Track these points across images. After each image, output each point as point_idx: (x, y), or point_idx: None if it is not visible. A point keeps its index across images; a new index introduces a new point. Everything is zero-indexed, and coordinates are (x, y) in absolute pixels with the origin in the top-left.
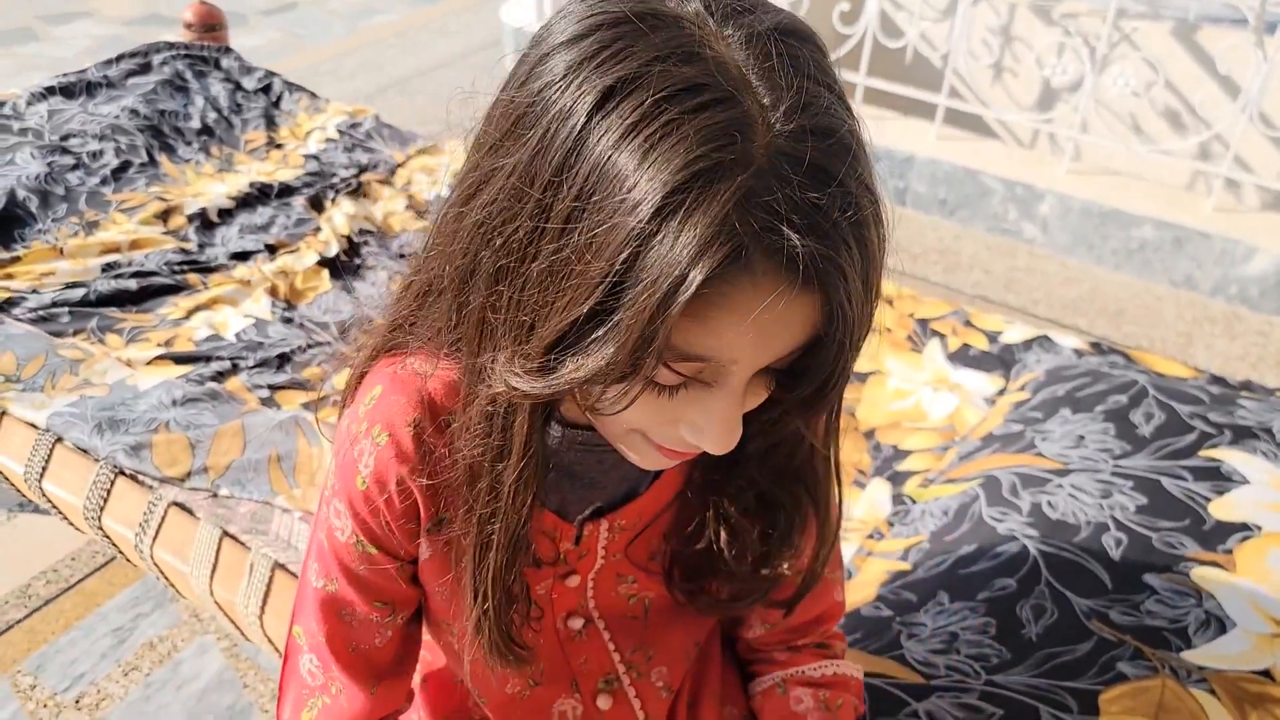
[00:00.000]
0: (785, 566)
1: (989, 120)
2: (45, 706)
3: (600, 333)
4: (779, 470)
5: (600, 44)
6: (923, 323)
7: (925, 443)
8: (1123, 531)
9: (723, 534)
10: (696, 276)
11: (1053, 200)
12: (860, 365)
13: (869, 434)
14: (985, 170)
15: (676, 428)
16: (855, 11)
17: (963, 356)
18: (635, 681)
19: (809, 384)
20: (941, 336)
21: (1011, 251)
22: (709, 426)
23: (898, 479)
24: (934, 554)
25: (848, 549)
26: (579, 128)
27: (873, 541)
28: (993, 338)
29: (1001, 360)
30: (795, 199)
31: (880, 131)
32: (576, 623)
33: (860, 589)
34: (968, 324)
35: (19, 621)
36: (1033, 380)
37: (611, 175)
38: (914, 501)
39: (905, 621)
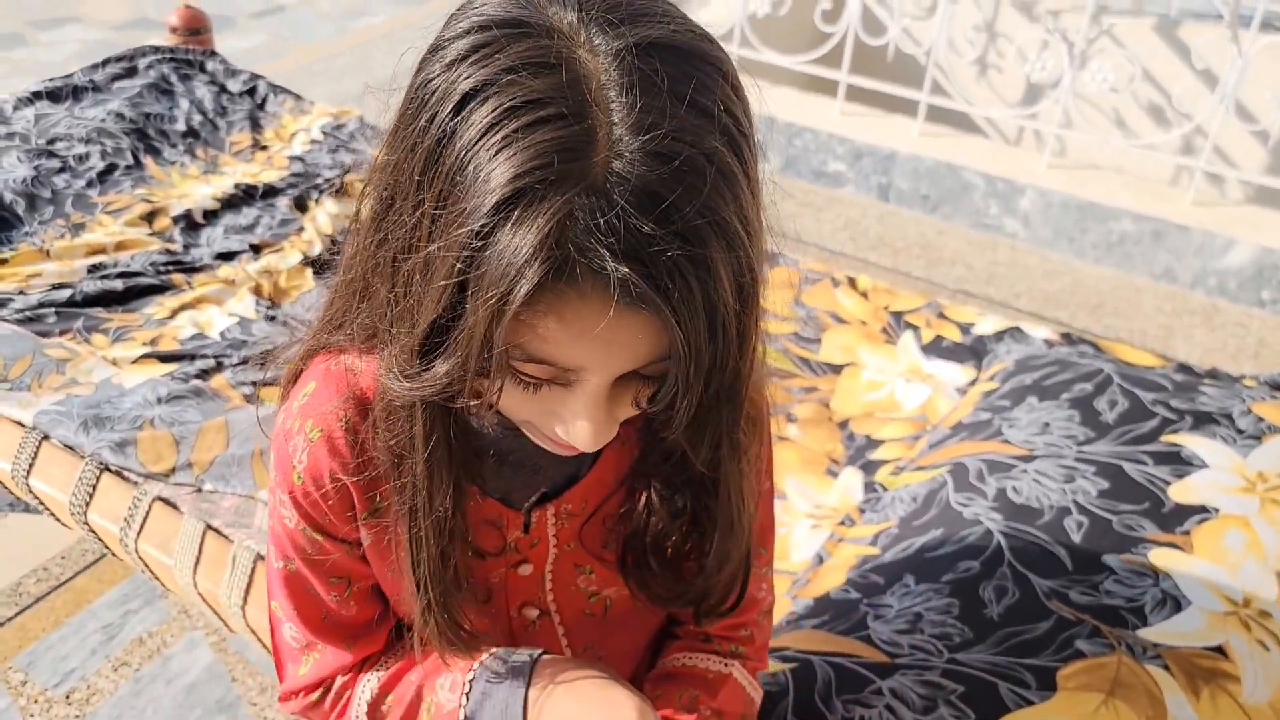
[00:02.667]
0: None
1: (973, 116)
2: (36, 702)
3: (451, 336)
4: (688, 475)
5: (472, 45)
6: (897, 315)
7: (898, 432)
8: (1084, 515)
9: (655, 522)
10: (521, 289)
11: (1033, 195)
12: (834, 357)
13: (843, 424)
14: (967, 165)
15: (550, 421)
16: (837, 10)
17: (936, 348)
18: None
19: (658, 403)
20: (915, 329)
21: (993, 246)
22: (574, 425)
23: (870, 467)
24: (902, 538)
25: (819, 536)
26: (443, 125)
27: (844, 528)
28: (965, 329)
29: (974, 351)
30: (619, 222)
31: (863, 128)
32: (531, 613)
33: (830, 574)
34: (941, 316)
35: (10, 619)
36: (1002, 370)
37: (463, 177)
38: (885, 489)
39: (872, 603)
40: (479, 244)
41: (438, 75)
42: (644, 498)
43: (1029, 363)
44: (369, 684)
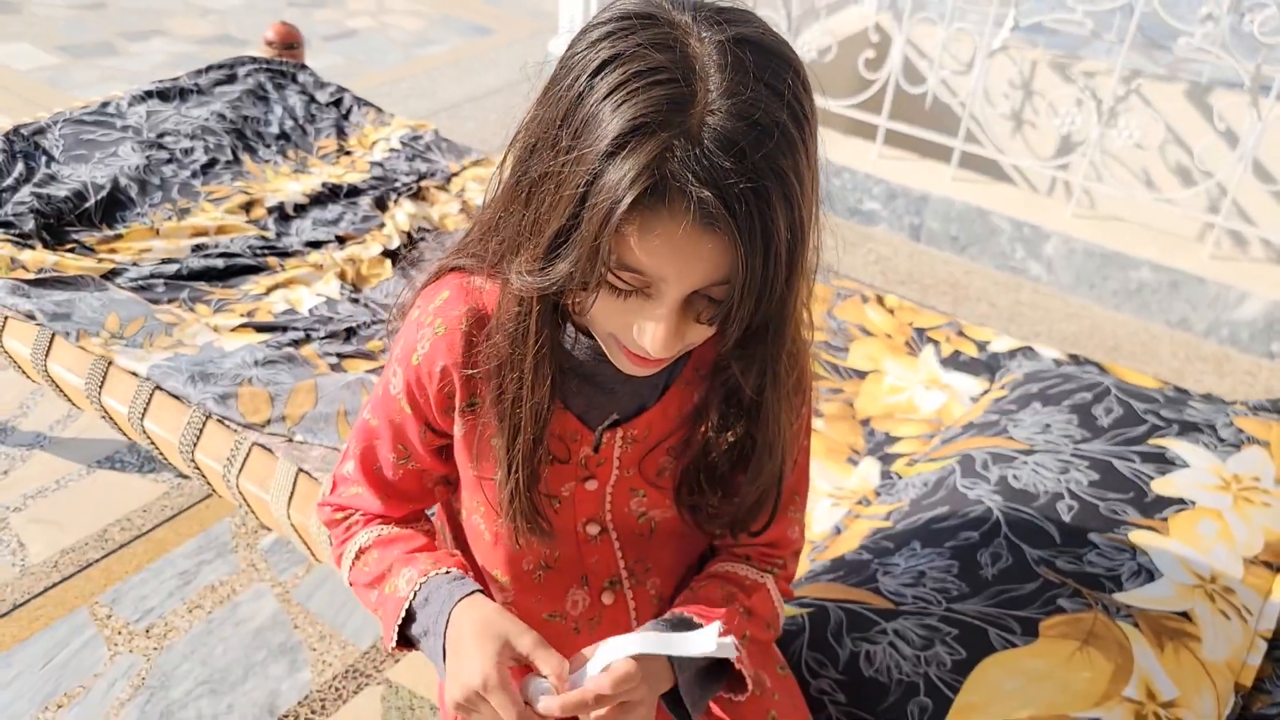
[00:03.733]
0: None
1: (1004, 166)
2: (120, 634)
3: (570, 240)
4: (740, 409)
5: (609, 30)
6: (920, 331)
7: (914, 431)
8: (1075, 500)
9: (711, 450)
10: (625, 199)
11: (1058, 241)
12: (861, 364)
13: (864, 422)
14: (996, 210)
15: (631, 331)
16: (879, 59)
17: (954, 361)
18: (634, 586)
19: (718, 315)
20: (936, 343)
21: (1017, 287)
22: (650, 330)
23: (887, 459)
24: (912, 514)
25: (838, 513)
26: (583, 85)
27: (861, 506)
28: (982, 346)
29: (988, 366)
30: (706, 160)
31: (899, 171)
32: (594, 529)
33: (847, 542)
34: (960, 334)
35: (96, 561)
36: (1012, 381)
37: (594, 120)
38: (899, 477)
39: (882, 562)
40: (599, 167)
41: (582, 50)
42: (704, 430)
43: (1037, 375)
44: (370, 534)
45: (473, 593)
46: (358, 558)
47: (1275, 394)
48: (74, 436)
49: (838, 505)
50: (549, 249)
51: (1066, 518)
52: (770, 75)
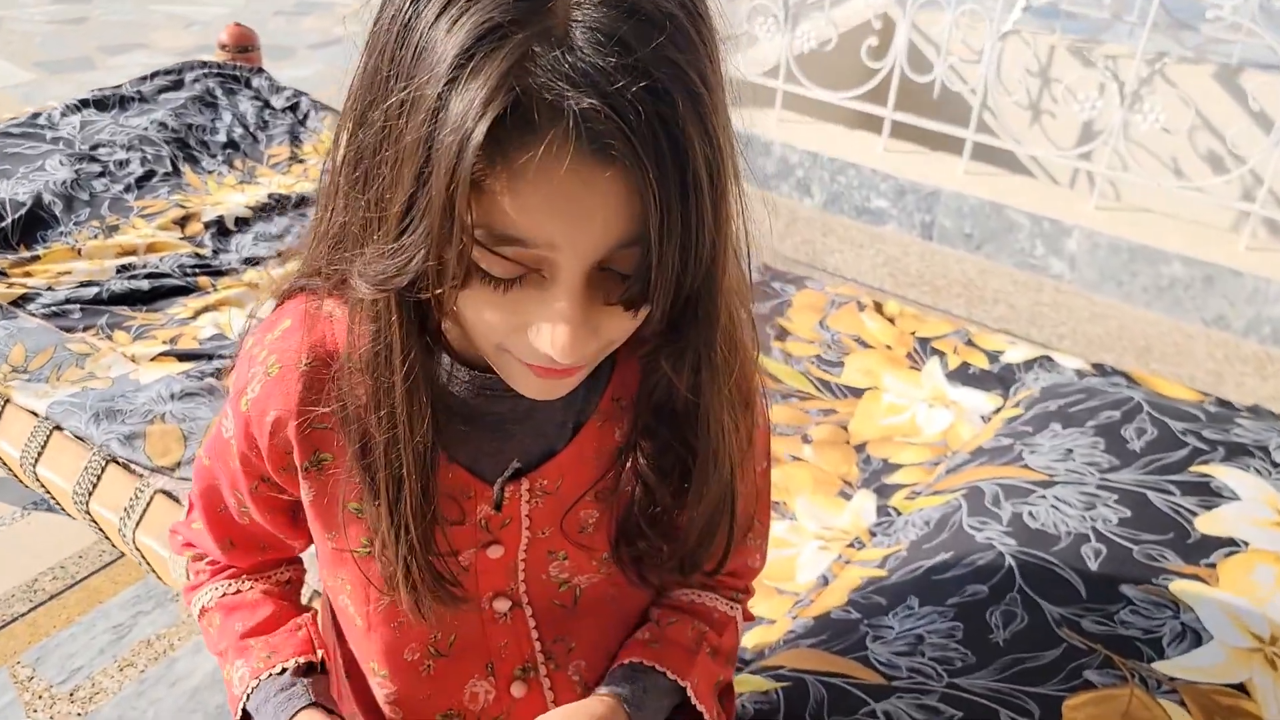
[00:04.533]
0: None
1: (1022, 158)
2: (40, 698)
3: (419, 207)
4: (673, 415)
5: None
6: (923, 341)
7: (916, 457)
8: (1102, 543)
9: (646, 486)
10: (478, 129)
11: (1080, 236)
12: (856, 381)
13: (859, 447)
14: (1012, 205)
15: (526, 335)
16: (884, 46)
17: (962, 375)
18: (552, 673)
19: (632, 287)
20: (941, 355)
21: (1037, 287)
22: (551, 327)
23: (885, 491)
24: (910, 561)
25: (826, 558)
26: (407, 10)
27: (852, 550)
28: (993, 357)
29: (1001, 379)
30: (580, 61)
31: (907, 165)
32: (503, 605)
33: (834, 594)
34: (969, 343)
35: (23, 615)
36: (1028, 397)
37: (427, 49)
38: (899, 513)
39: (873, 624)
40: (440, 101)
41: None
42: (633, 465)
43: (1056, 390)
44: (213, 592)
45: (304, 709)
46: (203, 614)
47: None
48: (7, 476)
49: (826, 549)
50: (398, 228)
51: (1093, 565)
52: None
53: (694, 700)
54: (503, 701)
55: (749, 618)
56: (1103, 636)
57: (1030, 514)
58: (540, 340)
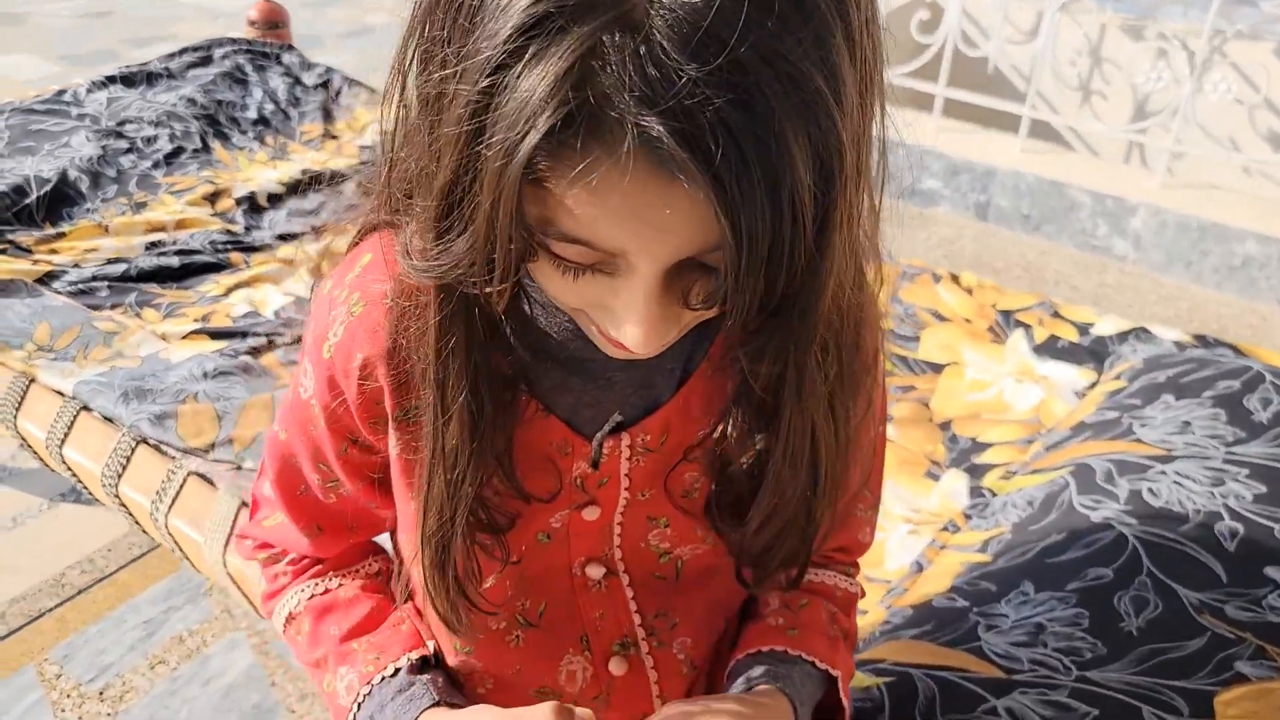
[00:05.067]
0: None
1: (1074, 138)
2: (69, 696)
3: (464, 202)
4: (759, 406)
5: None
6: (1005, 314)
7: (1007, 435)
8: (1238, 521)
9: (730, 465)
10: (531, 138)
11: (1146, 214)
12: (934, 356)
13: (944, 425)
14: (1073, 183)
15: (604, 314)
16: (934, 20)
17: (1050, 348)
18: (654, 650)
19: (707, 303)
20: (1026, 327)
21: (1100, 268)
22: (624, 320)
23: (976, 471)
24: (1017, 544)
25: (918, 543)
26: None
27: (947, 534)
28: (1083, 329)
29: (1093, 353)
30: (654, 62)
31: (960, 144)
32: (596, 571)
33: (932, 581)
34: (1055, 315)
35: (50, 610)
36: (1129, 369)
37: (482, 9)
38: (994, 494)
39: (984, 612)
40: (489, 80)
41: None
42: (722, 430)
43: (1161, 361)
44: (300, 594)
45: (428, 709)
46: (289, 623)
47: None
48: (38, 467)
49: (916, 533)
50: (439, 212)
51: (1230, 545)
52: None
53: (841, 692)
54: (600, 680)
55: (861, 594)
56: (1251, 624)
57: (1150, 490)
58: (614, 329)
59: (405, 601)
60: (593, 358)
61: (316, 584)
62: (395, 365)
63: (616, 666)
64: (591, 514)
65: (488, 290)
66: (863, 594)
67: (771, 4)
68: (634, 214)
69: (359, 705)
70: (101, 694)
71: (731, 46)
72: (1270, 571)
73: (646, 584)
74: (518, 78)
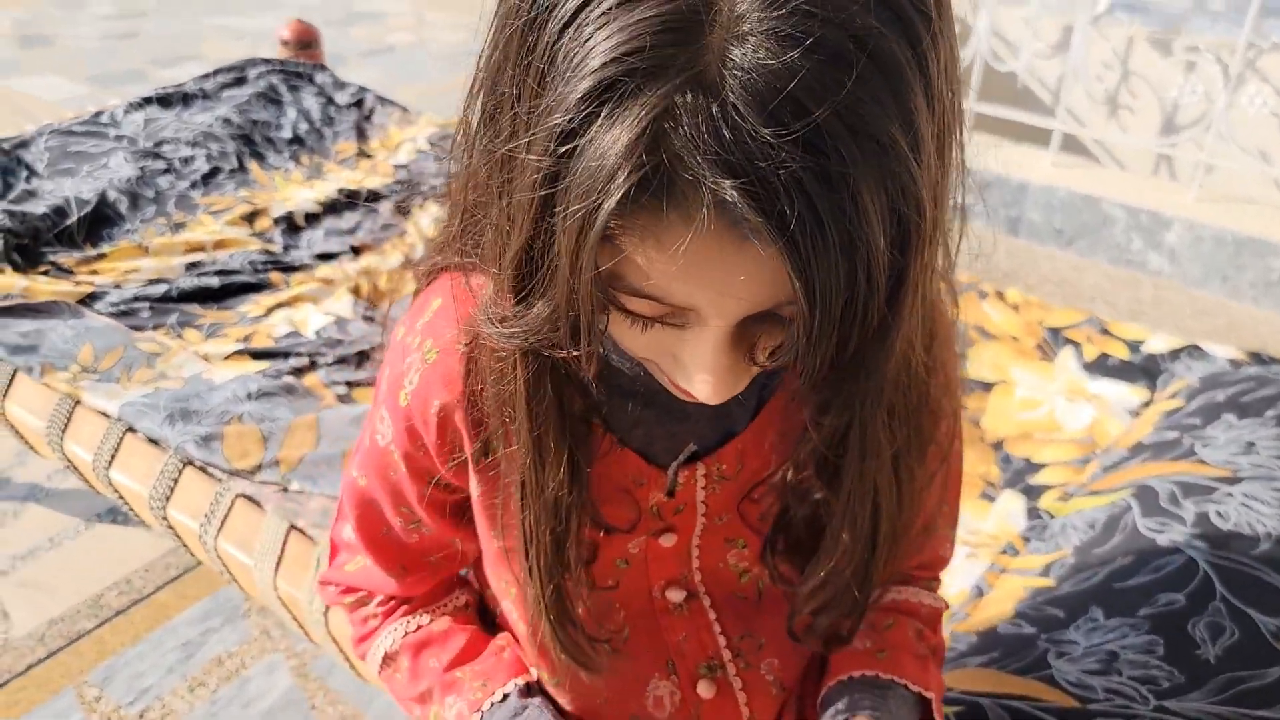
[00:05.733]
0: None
1: (1104, 151)
2: (109, 719)
3: (543, 266)
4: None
5: None
6: (1054, 331)
7: (1061, 455)
8: None
9: (789, 507)
10: (606, 204)
11: (1181, 228)
12: (983, 374)
13: (996, 445)
14: (1106, 197)
15: (673, 363)
16: (964, 34)
17: (1101, 366)
18: (742, 671)
19: (777, 358)
20: (1076, 345)
21: (1135, 284)
22: (693, 372)
23: (1032, 492)
24: (1081, 568)
25: (977, 567)
26: (537, 4)
27: (1007, 557)
28: (1134, 347)
29: (1145, 371)
30: (728, 125)
31: (993, 158)
32: (677, 594)
33: (995, 606)
34: (1104, 332)
35: (89, 631)
36: (1185, 388)
37: (553, 69)
38: (1052, 516)
39: (1053, 639)
40: (562, 148)
41: None
42: (787, 470)
43: (1219, 379)
44: (394, 633)
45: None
46: (385, 665)
47: None
48: (74, 487)
49: (974, 556)
50: (516, 277)
51: None
52: None
53: (935, 712)
54: (689, 704)
55: (945, 607)
56: None
57: (1219, 513)
58: (682, 379)
59: (499, 630)
60: (664, 391)
61: (408, 622)
62: (472, 410)
63: (705, 689)
64: (669, 540)
65: (574, 354)
66: (946, 606)
67: (849, 61)
68: (706, 273)
69: None
70: (141, 716)
71: (808, 108)
72: None
73: (729, 604)
74: (591, 142)
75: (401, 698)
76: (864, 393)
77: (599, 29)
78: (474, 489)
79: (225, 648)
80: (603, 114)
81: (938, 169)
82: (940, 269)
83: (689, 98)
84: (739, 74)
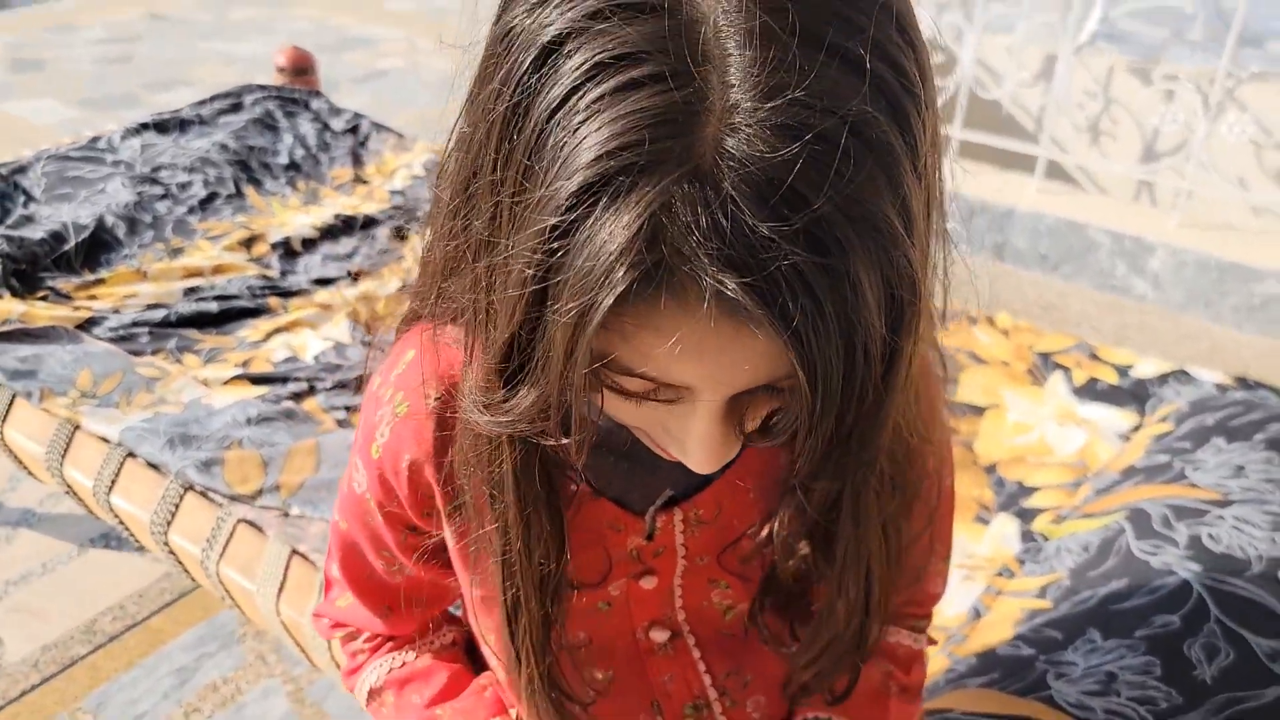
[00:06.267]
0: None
1: (1078, 178)
2: None
3: (534, 358)
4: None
5: None
6: (1044, 356)
7: (1054, 478)
8: None
9: (804, 546)
10: (605, 300)
11: (1164, 254)
12: (975, 399)
13: (989, 469)
14: (1091, 223)
15: (664, 433)
16: (949, 63)
17: (1090, 390)
18: (728, 709)
19: (775, 436)
20: (1066, 370)
21: (1120, 309)
22: (686, 445)
23: (1025, 515)
24: (1077, 590)
25: (973, 589)
26: (522, 86)
27: (1003, 580)
28: (1123, 371)
29: (1134, 395)
30: (726, 218)
31: (977, 185)
32: (661, 635)
33: (993, 629)
34: (1094, 357)
35: (83, 657)
36: (1174, 411)
37: (540, 157)
38: (1046, 538)
39: (1051, 660)
40: (555, 244)
41: (519, 18)
42: (775, 523)
43: (1207, 404)
44: (380, 668)
45: None
46: (371, 699)
47: None
48: (67, 512)
49: (971, 579)
50: (503, 361)
51: None
52: (839, 32)
53: None
54: None
55: (931, 642)
56: None
57: (1210, 536)
58: (674, 448)
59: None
60: (634, 441)
61: (394, 658)
62: (442, 465)
63: None
64: (649, 583)
65: (564, 442)
66: (932, 642)
67: (846, 150)
68: (704, 357)
69: None
70: None
71: (807, 199)
72: None
73: (714, 642)
74: (586, 238)
75: None
76: (857, 463)
77: (588, 119)
78: (449, 539)
79: (221, 673)
80: (597, 209)
81: (925, 239)
82: (927, 333)
83: (686, 190)
84: (736, 166)
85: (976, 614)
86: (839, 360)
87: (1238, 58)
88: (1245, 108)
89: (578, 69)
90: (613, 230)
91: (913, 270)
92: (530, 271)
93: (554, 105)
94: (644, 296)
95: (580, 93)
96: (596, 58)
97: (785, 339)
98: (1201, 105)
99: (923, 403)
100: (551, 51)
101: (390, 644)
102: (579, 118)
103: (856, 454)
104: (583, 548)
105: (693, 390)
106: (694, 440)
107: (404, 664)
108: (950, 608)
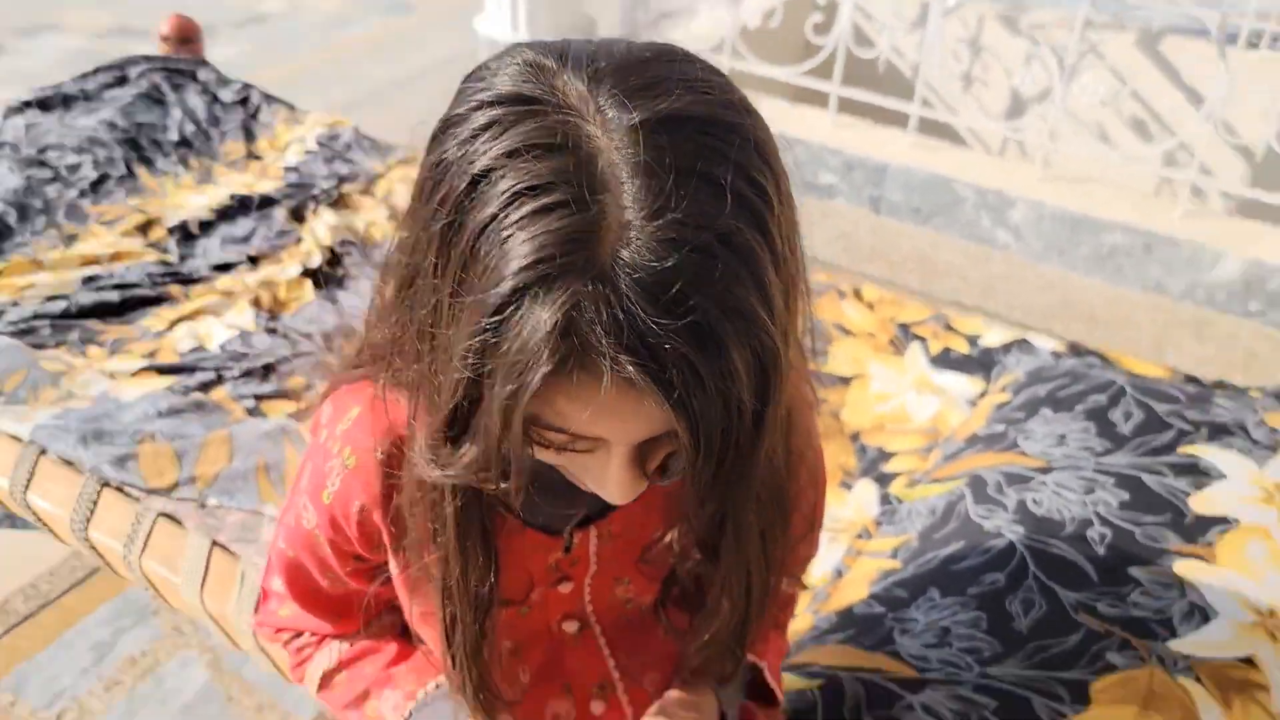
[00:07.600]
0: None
1: (958, 128)
2: None
3: (474, 423)
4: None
5: (482, 123)
6: (904, 327)
7: (910, 444)
8: (1106, 527)
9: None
10: (533, 381)
11: (1024, 207)
12: (843, 369)
13: (854, 436)
14: (958, 178)
15: (584, 473)
16: (828, 22)
17: (944, 359)
18: (629, 688)
19: (669, 477)
20: (923, 340)
21: (987, 259)
22: (604, 483)
23: (884, 479)
24: (923, 552)
25: (837, 550)
26: (454, 211)
27: (862, 541)
28: (972, 341)
29: (981, 363)
30: (625, 313)
31: (855, 140)
32: (572, 626)
33: (851, 587)
34: (948, 328)
35: None
36: (1013, 381)
37: (475, 266)
38: (900, 501)
39: (898, 617)
40: (491, 339)
41: (451, 151)
42: (673, 534)
43: (1041, 374)
44: (330, 655)
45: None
46: (324, 683)
47: (1258, 356)
48: None
49: (835, 540)
50: (448, 427)
51: (1100, 549)
52: (708, 162)
53: (769, 678)
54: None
55: (803, 587)
56: (1119, 619)
57: (1034, 500)
58: (593, 484)
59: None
60: (558, 477)
61: (341, 645)
62: (389, 510)
63: (596, 707)
64: (566, 588)
65: (503, 486)
66: (804, 587)
67: (716, 256)
68: (610, 416)
69: (409, 716)
70: (60, 718)
71: (688, 296)
72: (1133, 571)
73: (617, 631)
74: (515, 333)
75: (341, 706)
76: (735, 491)
77: (511, 237)
78: (393, 567)
79: (138, 646)
80: (523, 309)
81: (786, 316)
82: (797, 364)
83: (592, 292)
84: (630, 272)
85: (839, 574)
86: (715, 417)
87: (1098, 2)
88: (1103, 56)
89: (501, 195)
90: (535, 325)
91: (775, 345)
92: (470, 359)
93: (484, 224)
94: (562, 374)
95: (504, 214)
96: (516, 187)
97: (671, 404)
98: (1058, 58)
99: (797, 430)
100: (480, 180)
101: (336, 637)
102: (504, 234)
103: (735, 485)
104: (509, 568)
105: (605, 441)
106: (610, 480)
107: (352, 644)
108: (817, 569)
